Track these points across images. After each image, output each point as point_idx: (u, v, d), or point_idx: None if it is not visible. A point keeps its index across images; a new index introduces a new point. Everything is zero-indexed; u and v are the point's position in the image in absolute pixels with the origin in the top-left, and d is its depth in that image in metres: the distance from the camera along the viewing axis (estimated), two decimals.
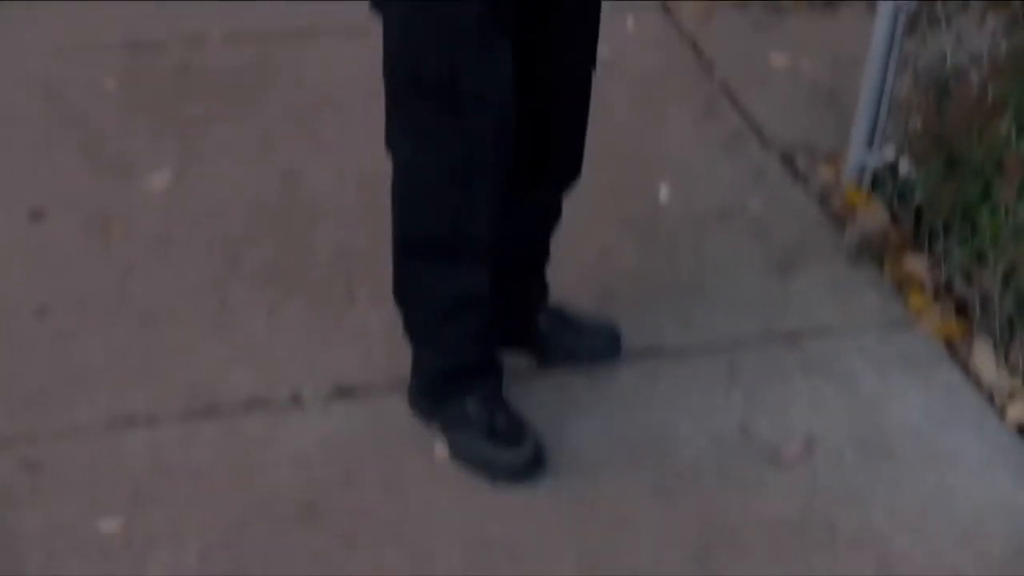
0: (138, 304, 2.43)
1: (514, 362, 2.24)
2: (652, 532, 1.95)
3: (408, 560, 1.91)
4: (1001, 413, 2.19)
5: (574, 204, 2.19)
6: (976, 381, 2.27)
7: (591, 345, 2.32)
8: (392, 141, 1.92)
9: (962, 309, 2.44)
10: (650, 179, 2.78)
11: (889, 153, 2.67)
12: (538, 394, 2.24)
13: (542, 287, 2.28)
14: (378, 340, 2.37)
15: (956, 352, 2.35)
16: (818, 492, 2.03)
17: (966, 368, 2.30)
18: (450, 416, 2.11)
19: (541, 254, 2.24)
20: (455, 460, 2.08)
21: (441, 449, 2.11)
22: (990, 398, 2.23)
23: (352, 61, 2.81)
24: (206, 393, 2.26)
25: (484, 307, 2.04)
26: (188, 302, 2.45)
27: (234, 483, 2.07)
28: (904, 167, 2.64)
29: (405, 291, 2.08)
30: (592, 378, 2.28)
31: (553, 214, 2.19)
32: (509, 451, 2.06)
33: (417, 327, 2.11)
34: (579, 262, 2.50)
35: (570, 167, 2.09)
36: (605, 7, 1.97)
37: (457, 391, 2.10)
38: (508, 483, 2.04)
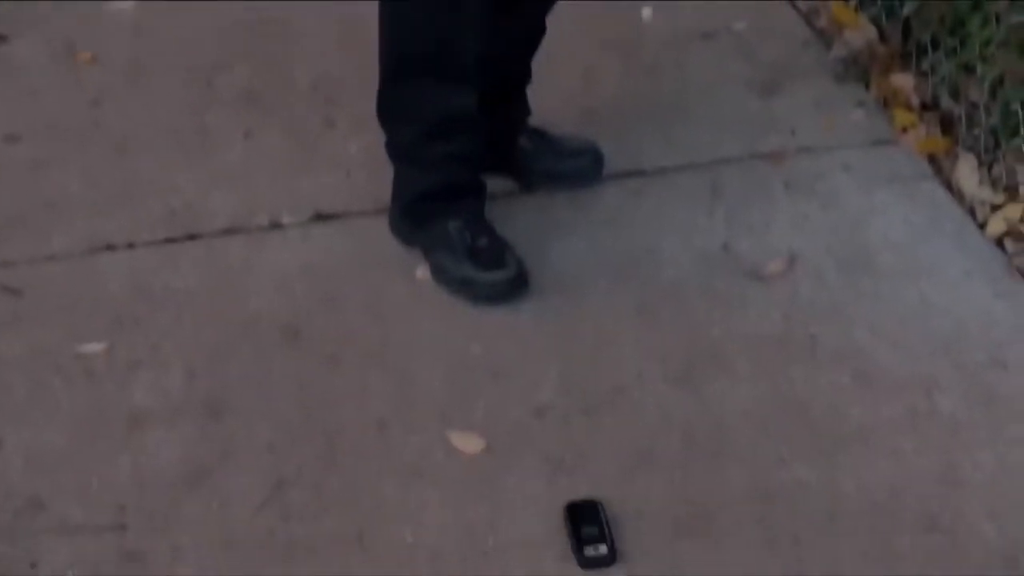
0: (112, 130, 2.39)
1: (496, 185, 2.22)
2: (635, 349, 1.97)
3: (391, 380, 1.93)
4: (982, 227, 2.19)
5: (556, 24, 2.14)
6: (959, 196, 2.26)
7: (573, 166, 2.29)
8: None
9: (947, 126, 2.42)
10: None
11: None
12: (520, 216, 2.23)
13: (523, 108, 2.25)
14: (357, 165, 2.34)
15: (940, 168, 2.33)
16: (800, 308, 2.04)
17: (949, 184, 2.29)
18: (432, 238, 2.10)
19: (523, 74, 2.20)
20: (437, 282, 2.08)
21: (423, 271, 2.11)
22: (972, 212, 2.22)
23: None
24: (185, 219, 2.24)
25: (473, 126, 2.02)
26: (163, 128, 2.41)
27: (216, 307, 2.07)
28: None
29: (393, 110, 2.05)
30: (574, 199, 2.27)
31: (537, 33, 2.14)
32: (491, 272, 2.06)
33: (403, 147, 2.08)
34: (561, 84, 2.45)
35: None
36: None
37: (440, 213, 2.08)
38: (490, 303, 2.04)
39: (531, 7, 2.09)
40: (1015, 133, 2.26)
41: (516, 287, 2.06)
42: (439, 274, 2.09)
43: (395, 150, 2.11)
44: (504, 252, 2.08)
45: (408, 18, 1.94)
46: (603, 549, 1.64)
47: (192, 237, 2.20)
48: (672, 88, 2.53)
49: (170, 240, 2.19)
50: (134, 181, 2.29)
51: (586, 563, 1.63)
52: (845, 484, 1.73)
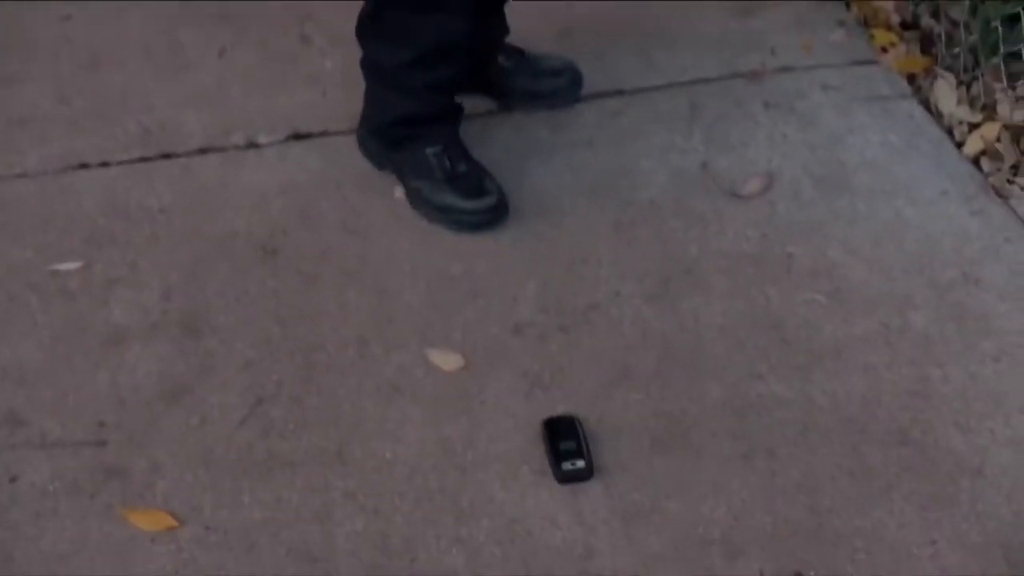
0: (83, 47, 2.36)
1: (474, 105, 2.21)
2: (612, 268, 1.97)
3: (370, 297, 1.93)
4: (960, 146, 2.19)
5: None
6: (937, 115, 2.26)
7: (552, 85, 2.28)
8: None
9: (927, 45, 2.41)
10: None
11: None
12: (498, 136, 2.22)
13: (502, 27, 2.22)
14: (333, 83, 2.32)
15: (919, 87, 2.33)
16: (777, 226, 2.04)
17: (927, 103, 2.29)
18: (408, 163, 2.07)
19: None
20: (414, 207, 2.06)
21: (401, 191, 2.10)
22: (950, 132, 2.23)
23: None
24: (159, 138, 2.22)
25: (460, 55, 1.98)
26: (135, 45, 2.38)
27: (192, 225, 2.05)
28: None
29: (378, 34, 1.99)
30: (552, 119, 2.26)
31: None
32: (473, 200, 2.03)
33: (383, 71, 2.03)
34: (539, 5, 2.42)
35: None
36: None
37: (416, 138, 2.05)
38: (471, 231, 2.03)
39: None
40: (994, 51, 2.25)
41: (497, 215, 2.04)
42: (416, 200, 2.07)
43: (373, 71, 2.06)
44: (484, 179, 2.06)
45: None
46: (580, 464, 1.66)
47: (167, 156, 2.18)
48: (651, 8, 2.51)
49: (144, 159, 2.17)
50: (107, 99, 2.26)
51: (564, 477, 1.66)
52: (819, 398, 1.75)
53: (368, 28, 1.99)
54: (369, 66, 2.06)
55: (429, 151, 2.04)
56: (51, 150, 2.17)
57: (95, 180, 2.13)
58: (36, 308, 1.91)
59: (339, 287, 1.95)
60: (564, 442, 1.69)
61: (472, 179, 2.05)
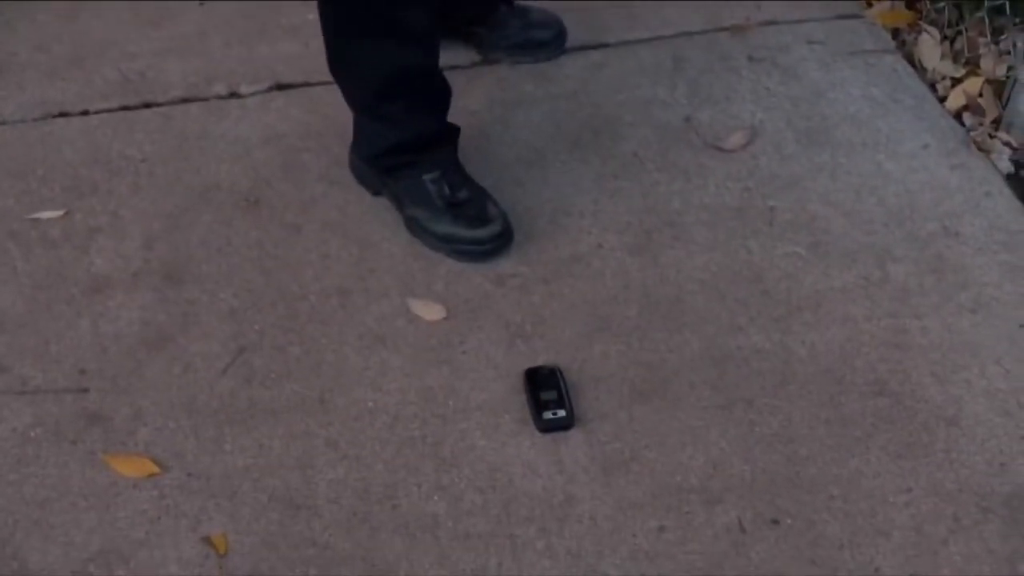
0: None
1: (457, 56, 2.20)
2: (594, 220, 1.98)
3: (352, 247, 1.93)
4: (942, 100, 2.20)
5: None
6: (920, 70, 2.27)
7: (540, 36, 2.27)
8: None
9: (912, 0, 2.41)
10: None
11: None
12: (482, 87, 2.21)
13: None
14: (314, 34, 2.29)
15: (903, 42, 2.33)
16: (759, 180, 2.05)
17: (911, 58, 2.29)
18: (404, 190, 1.94)
19: None
20: (413, 235, 1.94)
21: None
22: (932, 86, 2.24)
23: None
24: (140, 86, 2.20)
25: (432, 75, 1.88)
26: None
27: (174, 174, 2.05)
28: None
29: (343, 67, 1.88)
30: (536, 70, 2.25)
31: None
32: (476, 229, 1.91)
33: (361, 103, 1.92)
34: None
35: None
36: None
37: (411, 164, 1.92)
38: (474, 261, 1.90)
39: None
40: (978, 6, 2.25)
41: (503, 243, 1.92)
42: (415, 228, 1.94)
43: (351, 103, 1.94)
44: (486, 204, 1.93)
45: None
46: (561, 413, 1.67)
47: (148, 105, 2.17)
48: None
49: (125, 108, 2.16)
50: (87, 47, 2.25)
51: (545, 426, 1.67)
52: (797, 349, 1.77)
53: (331, 62, 1.89)
54: (347, 99, 1.94)
55: (426, 178, 1.91)
56: (30, 98, 2.16)
57: (75, 128, 2.11)
58: (17, 256, 1.91)
59: (321, 237, 1.95)
60: (545, 392, 1.70)
61: (474, 206, 1.92)
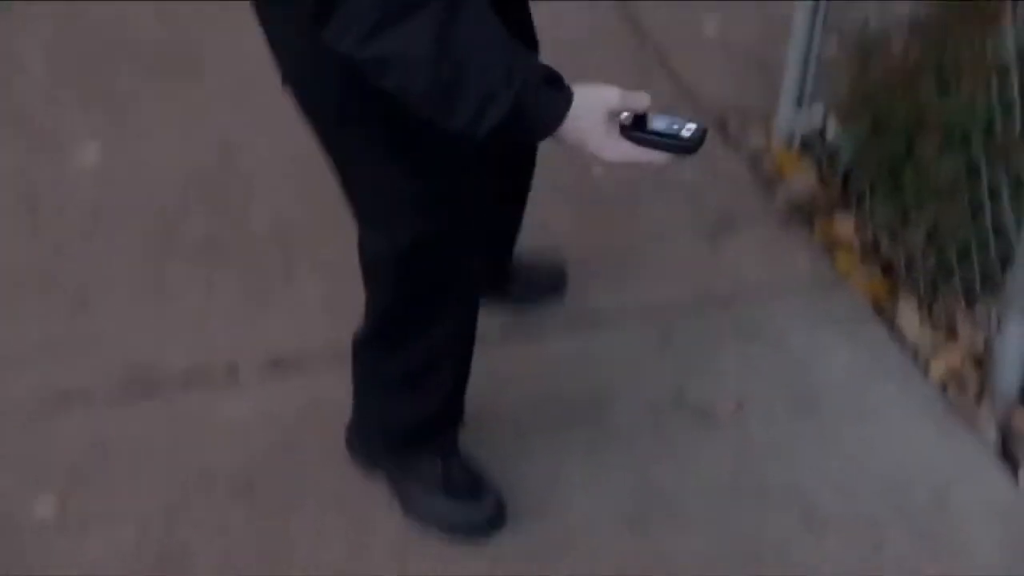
0: (71, 280, 2.42)
1: None
2: (587, 494, 1.99)
3: (350, 524, 1.93)
4: (925, 369, 2.24)
5: None
6: (901, 339, 2.32)
7: (540, 283, 2.34)
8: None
9: (888, 269, 2.49)
10: None
11: (818, 114, 2.70)
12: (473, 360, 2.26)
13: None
14: (315, 312, 2.37)
15: (882, 311, 2.40)
16: (749, 452, 2.07)
17: (892, 326, 2.35)
18: (400, 467, 1.97)
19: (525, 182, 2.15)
20: (405, 512, 1.95)
21: None
22: (914, 355, 2.28)
23: None
24: (142, 369, 2.25)
25: (471, 348, 1.90)
26: (122, 277, 2.44)
27: (171, 460, 2.07)
28: (832, 130, 2.68)
29: (383, 346, 1.86)
30: (526, 343, 2.31)
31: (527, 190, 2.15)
32: (468, 507, 1.94)
33: (388, 379, 1.89)
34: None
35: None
36: None
37: (414, 442, 1.95)
38: (467, 541, 1.92)
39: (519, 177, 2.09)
40: (951, 275, 2.32)
41: (494, 524, 1.93)
42: (409, 506, 1.95)
43: (373, 379, 1.91)
44: (480, 483, 1.95)
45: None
46: None
47: (149, 387, 2.21)
48: (622, 234, 2.60)
49: (127, 391, 2.20)
50: (92, 332, 2.31)
51: None
52: None
53: (370, 343, 1.88)
54: (368, 377, 1.93)
55: (423, 456, 1.94)
56: (35, 383, 2.19)
57: (77, 413, 2.14)
58: (9, 552, 1.90)
59: (319, 515, 1.95)
60: None
61: (467, 486, 1.95)
